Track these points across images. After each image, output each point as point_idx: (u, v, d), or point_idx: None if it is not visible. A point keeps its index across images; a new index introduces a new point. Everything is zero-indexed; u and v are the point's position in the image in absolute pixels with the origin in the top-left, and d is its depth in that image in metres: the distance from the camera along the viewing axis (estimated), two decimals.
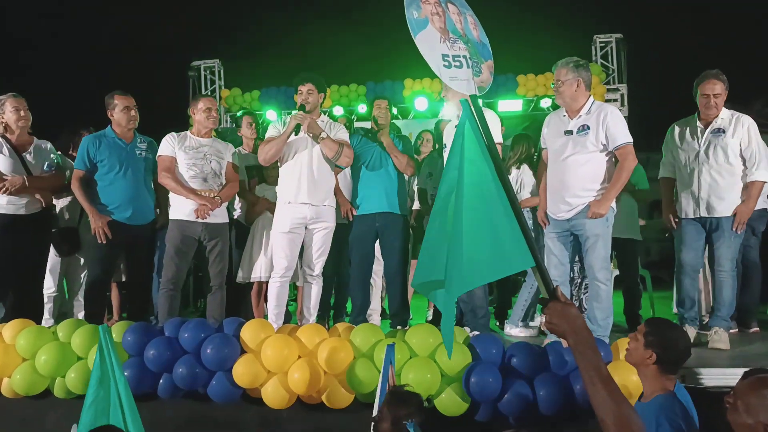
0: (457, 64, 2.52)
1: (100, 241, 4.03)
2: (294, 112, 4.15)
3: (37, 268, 4.16)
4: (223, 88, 11.42)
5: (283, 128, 4.05)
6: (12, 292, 4.01)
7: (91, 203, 4.10)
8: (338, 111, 10.83)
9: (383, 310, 5.29)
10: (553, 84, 3.89)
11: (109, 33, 13.45)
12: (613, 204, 3.74)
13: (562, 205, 3.74)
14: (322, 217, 4.06)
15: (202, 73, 11.47)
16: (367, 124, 5.85)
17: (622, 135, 3.61)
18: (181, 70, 11.56)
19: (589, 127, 3.65)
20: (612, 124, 3.62)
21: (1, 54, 12.49)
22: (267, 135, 4.12)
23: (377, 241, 4.42)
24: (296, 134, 3.98)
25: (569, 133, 3.74)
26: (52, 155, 4.21)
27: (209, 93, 11.40)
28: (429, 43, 2.43)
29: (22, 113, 4.05)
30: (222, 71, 11.56)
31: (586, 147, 3.67)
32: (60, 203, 4.51)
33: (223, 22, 12.99)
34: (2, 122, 4.06)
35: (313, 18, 12.50)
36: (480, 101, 2.22)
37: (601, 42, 10.70)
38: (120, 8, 13.37)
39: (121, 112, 4.22)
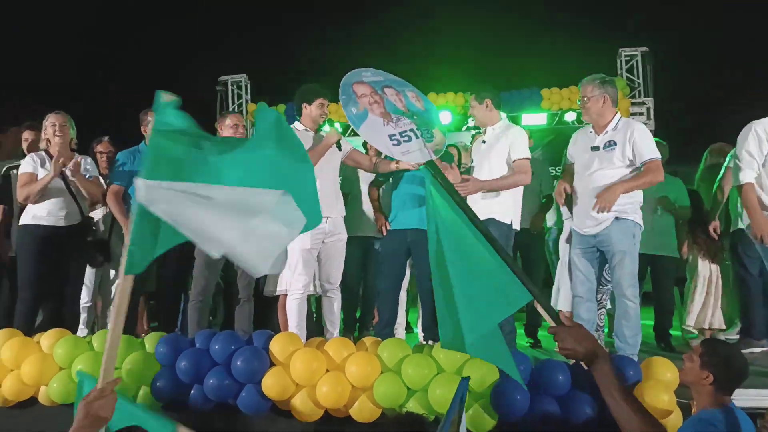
0: (406, 138, 2.73)
1: None
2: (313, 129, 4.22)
3: (76, 279, 4.27)
4: (250, 102, 11.63)
5: (304, 139, 4.12)
6: (50, 301, 4.14)
7: (125, 216, 4.22)
8: None
9: (407, 323, 5.30)
10: (579, 100, 3.91)
11: (137, 48, 13.78)
12: (641, 220, 3.72)
13: (587, 220, 3.74)
14: (338, 229, 4.14)
15: (230, 87, 11.72)
16: None
17: (649, 150, 3.61)
18: (209, 85, 11.83)
19: (615, 143, 3.67)
20: (639, 140, 3.62)
21: (36, 72, 12.90)
22: None
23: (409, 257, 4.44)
24: (339, 149, 4.09)
25: (596, 148, 3.76)
26: (89, 167, 4.34)
27: (236, 107, 11.62)
28: (373, 131, 2.72)
29: (59, 128, 4.19)
30: (249, 85, 11.79)
31: (612, 162, 3.69)
32: (96, 215, 4.65)
33: (250, 37, 13.22)
34: (45, 138, 4.22)
35: (337, 33, 12.64)
36: (431, 169, 2.42)
37: (626, 55, 10.65)
38: (149, 24, 13.72)
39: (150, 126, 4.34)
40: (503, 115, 4.21)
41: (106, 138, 5.06)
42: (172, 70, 13.22)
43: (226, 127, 4.31)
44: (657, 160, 3.61)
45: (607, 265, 3.93)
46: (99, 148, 4.99)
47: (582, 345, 1.73)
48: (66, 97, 10.82)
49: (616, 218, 3.65)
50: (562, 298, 4.78)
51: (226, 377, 3.03)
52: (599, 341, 3.56)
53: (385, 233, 4.43)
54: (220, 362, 3.08)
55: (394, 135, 2.67)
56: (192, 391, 3.09)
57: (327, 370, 3.04)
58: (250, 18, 13.41)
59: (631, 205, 3.68)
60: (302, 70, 11.91)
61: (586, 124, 4.06)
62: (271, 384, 2.99)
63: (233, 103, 11.70)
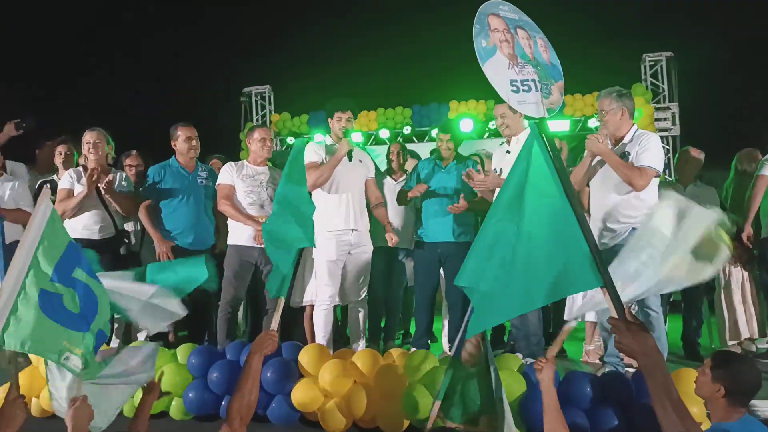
0: (526, 88, 2.58)
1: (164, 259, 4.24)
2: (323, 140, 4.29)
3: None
4: (273, 112, 11.79)
5: (325, 153, 4.17)
6: None
7: (156, 229, 4.33)
8: (384, 134, 11.01)
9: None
10: (595, 114, 3.91)
11: (162, 60, 14.05)
12: None
13: (605, 232, 3.73)
14: (363, 242, 4.18)
15: (253, 98, 11.89)
16: (411, 146, 6.00)
17: (647, 158, 3.58)
18: (233, 96, 12.02)
19: (630, 154, 3.67)
20: (643, 148, 3.62)
21: (57, 85, 13.25)
22: (308, 160, 4.13)
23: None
24: (350, 160, 4.10)
25: None
26: (124, 182, 4.47)
27: (260, 118, 11.78)
28: (497, 70, 2.55)
29: (94, 144, 4.33)
30: (272, 96, 11.95)
31: None
32: (128, 228, 4.77)
33: (273, 48, 13.41)
34: (84, 154, 4.38)
35: (359, 42, 12.75)
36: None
37: (650, 60, 10.56)
38: (174, 36, 13.99)
39: (183, 142, 4.47)
40: (526, 123, 4.22)
41: (135, 152, 5.20)
42: (197, 82, 13.47)
43: (255, 141, 4.40)
44: (649, 169, 3.57)
45: None
46: (128, 161, 5.12)
47: (639, 344, 1.73)
48: (94, 110, 11.11)
49: (633, 228, 3.65)
50: (576, 308, 4.76)
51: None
52: None
53: (391, 244, 4.39)
54: None
55: (516, 81, 2.53)
56: (223, 402, 3.16)
57: (355, 382, 3.08)
58: (274, 29, 13.60)
59: (646, 215, 3.66)
60: (325, 80, 12.02)
61: None
62: (300, 395, 3.05)
63: (257, 114, 11.87)
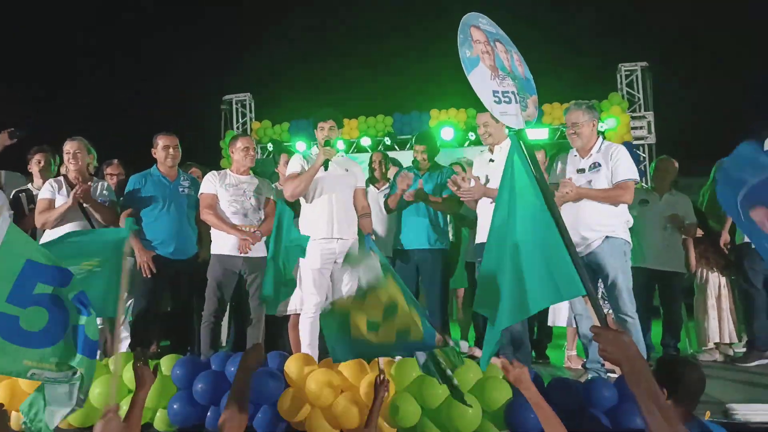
0: (507, 99, 2.59)
1: (144, 275, 4.19)
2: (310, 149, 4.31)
3: None
4: (254, 120, 11.76)
5: (307, 164, 4.18)
6: None
7: (136, 238, 4.28)
8: (365, 142, 11.05)
9: None
10: (565, 126, 4.02)
11: (142, 68, 13.94)
12: (630, 238, 3.80)
13: (578, 240, 3.79)
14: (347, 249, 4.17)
15: (234, 106, 11.86)
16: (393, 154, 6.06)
17: (624, 171, 3.75)
18: (213, 104, 11.97)
19: (600, 164, 3.81)
20: (617, 160, 3.77)
21: (34, 90, 13.04)
22: (290, 170, 4.21)
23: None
24: (326, 169, 4.11)
25: (582, 171, 3.89)
26: (105, 192, 4.42)
27: (240, 126, 11.74)
28: (481, 80, 2.57)
29: (75, 154, 4.28)
30: (253, 104, 11.93)
31: (598, 183, 3.81)
32: None
33: (253, 57, 13.39)
34: (65, 164, 4.32)
35: (340, 51, 12.81)
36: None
37: (626, 70, 10.78)
38: (153, 44, 13.89)
39: (161, 150, 4.44)
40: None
41: (116, 161, 5.14)
42: (176, 89, 13.37)
43: (238, 150, 4.38)
44: (630, 182, 3.75)
45: (601, 284, 4.00)
46: (108, 170, 5.07)
47: (622, 351, 1.75)
48: (73, 118, 10.96)
49: (606, 237, 3.75)
50: (560, 314, 4.83)
51: None
52: None
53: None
54: None
55: (498, 92, 2.57)
56: (209, 413, 3.13)
57: (342, 391, 3.08)
58: (254, 37, 13.59)
59: (619, 224, 3.78)
60: (306, 89, 12.05)
61: None
62: (286, 405, 3.03)
63: (237, 122, 11.83)
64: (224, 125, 11.81)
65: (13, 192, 4.62)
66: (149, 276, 4.20)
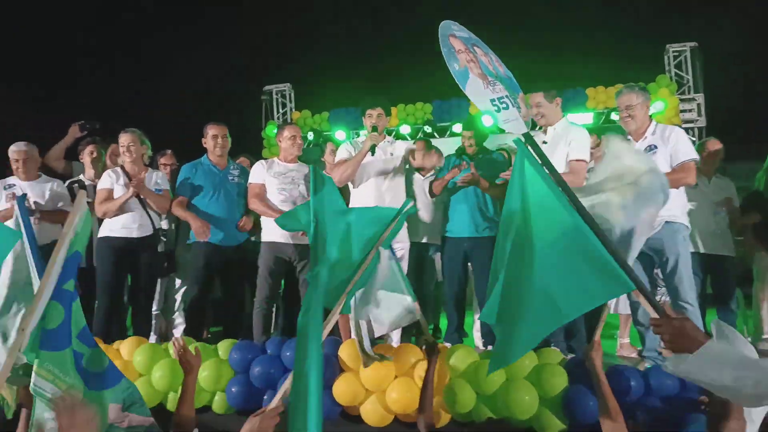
0: (504, 105, 2.47)
1: (206, 238, 4.29)
2: (361, 134, 4.32)
3: (149, 288, 4.48)
4: (293, 110, 11.84)
5: (355, 150, 4.19)
6: (124, 311, 4.35)
7: (189, 213, 4.38)
8: (405, 129, 11.00)
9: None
10: (609, 110, 3.94)
11: (184, 60, 14.15)
12: (687, 221, 3.69)
13: None
14: (400, 238, 4.15)
15: (274, 96, 11.96)
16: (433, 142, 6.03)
17: (684, 152, 3.64)
18: (254, 95, 12.10)
19: (656, 146, 3.69)
20: (676, 142, 3.66)
21: (82, 88, 13.39)
22: (338, 157, 4.27)
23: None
24: (372, 154, 4.12)
25: None
26: (159, 181, 4.53)
27: (281, 116, 11.85)
28: (477, 92, 2.47)
29: (126, 150, 4.41)
30: (293, 94, 12.01)
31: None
32: (164, 227, 4.84)
33: (293, 47, 13.46)
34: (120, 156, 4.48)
35: (379, 39, 12.75)
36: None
37: (674, 51, 10.40)
38: (194, 34, 14.08)
39: (211, 140, 4.52)
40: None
41: (169, 151, 5.26)
42: (217, 80, 13.55)
43: (285, 138, 4.44)
44: (691, 162, 3.65)
45: (657, 269, 3.90)
46: (162, 160, 5.19)
47: (684, 338, 1.69)
48: (118, 109, 11.24)
49: (666, 222, 3.63)
50: (621, 301, 4.73)
51: None
52: None
53: None
54: (291, 368, 3.17)
55: (494, 100, 2.44)
56: (265, 397, 3.18)
57: (396, 376, 3.09)
58: (294, 27, 13.65)
59: (678, 208, 3.66)
60: (346, 78, 12.04)
61: None
62: (341, 390, 3.06)
63: (278, 112, 11.94)
64: (265, 116, 11.94)
65: (67, 182, 4.78)
66: (207, 239, 4.29)
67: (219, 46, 13.80)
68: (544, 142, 4.08)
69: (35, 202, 4.40)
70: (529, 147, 2.27)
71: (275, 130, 6.78)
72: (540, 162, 2.23)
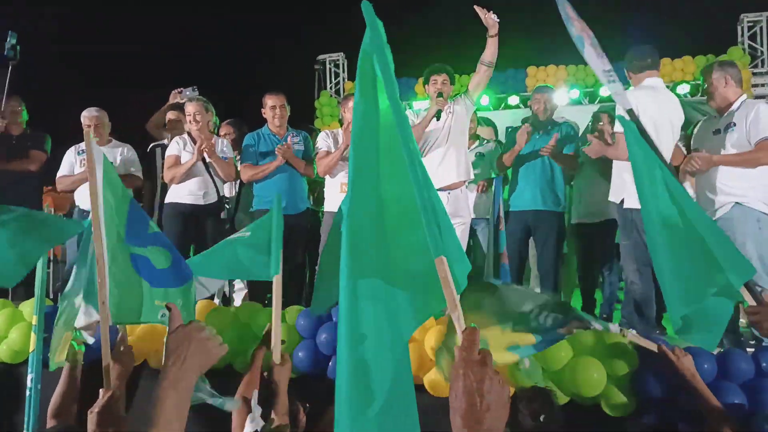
0: (612, 79, 2.55)
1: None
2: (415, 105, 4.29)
3: None
4: (347, 80, 11.80)
5: (417, 120, 4.15)
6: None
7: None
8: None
9: None
10: (684, 81, 3.87)
11: (236, 28, 14.22)
12: (766, 205, 3.52)
13: (707, 206, 3.57)
14: (460, 211, 4.11)
15: (327, 66, 11.93)
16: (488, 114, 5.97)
17: (762, 129, 3.42)
18: (307, 64, 12.09)
19: (735, 124, 3.53)
20: (756, 118, 3.45)
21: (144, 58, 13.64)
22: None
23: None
24: (437, 119, 4.09)
25: (717, 132, 3.64)
26: (225, 148, 4.63)
27: (333, 86, 11.84)
28: (592, 60, 2.53)
29: (193, 118, 4.50)
30: (346, 64, 11.95)
31: (733, 144, 3.54)
32: (227, 194, 4.95)
33: (346, 15, 13.34)
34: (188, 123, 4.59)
35: (431, 9, 12.49)
36: None
37: (749, 21, 9.84)
38: (248, 3, 14.11)
39: (270, 110, 4.58)
40: None
41: (231, 120, 5.37)
42: (270, 49, 13.60)
43: (349, 109, 4.44)
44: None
45: None
46: (223, 130, 5.29)
47: None
48: (173, 78, 11.44)
49: (737, 203, 3.48)
50: None
51: None
52: None
53: None
54: None
55: (607, 72, 2.51)
56: (330, 363, 3.26)
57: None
58: None
59: (753, 189, 3.48)
60: (400, 46, 11.85)
61: (701, 97, 3.97)
62: None
63: (330, 82, 11.92)
64: (318, 86, 11.95)
65: (150, 146, 4.95)
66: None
67: (273, 12, 13.78)
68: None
69: None
70: (635, 124, 2.31)
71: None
72: (647, 141, 2.25)
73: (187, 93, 5.07)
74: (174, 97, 5.16)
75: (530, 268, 5.01)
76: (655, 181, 2.14)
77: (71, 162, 4.64)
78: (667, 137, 3.59)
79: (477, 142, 5.36)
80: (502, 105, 10.68)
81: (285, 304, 4.03)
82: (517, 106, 10.47)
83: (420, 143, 4.13)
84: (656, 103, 3.56)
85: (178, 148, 4.49)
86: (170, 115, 5.05)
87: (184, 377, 1.16)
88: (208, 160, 4.43)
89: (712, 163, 3.55)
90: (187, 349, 1.18)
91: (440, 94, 4.08)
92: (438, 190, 4.04)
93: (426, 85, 4.26)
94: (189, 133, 4.57)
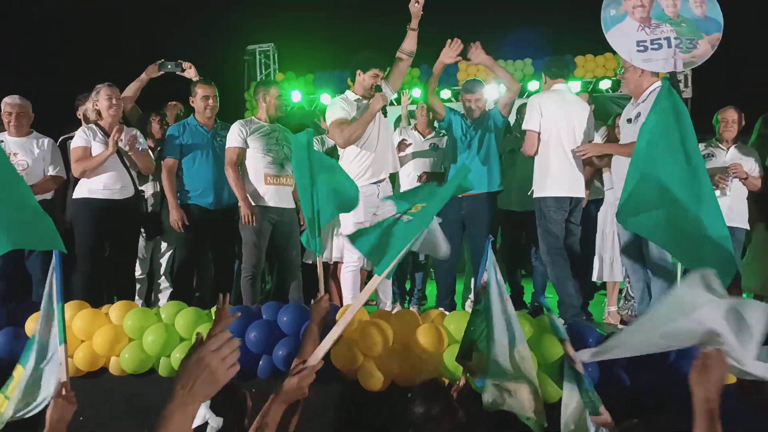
0: (655, 47, 2.94)
1: (178, 230, 4.24)
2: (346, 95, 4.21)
3: (131, 251, 4.34)
4: (278, 72, 11.54)
5: (354, 111, 4.06)
6: (107, 274, 4.22)
7: (174, 195, 4.25)
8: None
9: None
10: (607, 76, 4.09)
11: (165, 18, 13.62)
12: None
13: (619, 192, 3.70)
14: (388, 203, 4.07)
15: (257, 57, 11.62)
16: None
17: None
18: (237, 55, 11.74)
19: (641, 114, 3.50)
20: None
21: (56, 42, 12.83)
22: (337, 117, 4.06)
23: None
24: (385, 116, 4.07)
25: (629, 121, 3.67)
26: (141, 140, 4.36)
27: (264, 77, 11.54)
28: (622, 35, 2.96)
29: (114, 101, 4.20)
30: (276, 55, 11.68)
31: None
32: (147, 189, 4.68)
33: (277, 6, 13.01)
34: (96, 109, 4.23)
35: (367, 1, 12.39)
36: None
37: None
38: None
39: (200, 100, 4.37)
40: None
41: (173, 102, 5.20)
42: (198, 38, 13.08)
43: (271, 97, 4.30)
44: None
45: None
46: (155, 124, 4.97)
47: None
48: (88, 65, 10.80)
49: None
50: (606, 269, 4.75)
51: (294, 348, 3.07)
52: None
53: None
54: (288, 333, 3.13)
55: (644, 41, 2.90)
56: (261, 362, 3.15)
57: (394, 342, 3.06)
58: None
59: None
60: (331, 39, 11.70)
61: (621, 92, 4.16)
62: (339, 355, 3.03)
63: (261, 73, 11.63)
64: (247, 76, 11.63)
65: (60, 139, 4.61)
66: (182, 230, 4.25)
67: (201, 3, 13.27)
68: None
69: (22, 161, 4.26)
70: (672, 87, 2.50)
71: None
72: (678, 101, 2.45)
73: (168, 67, 4.71)
74: (152, 70, 4.78)
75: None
76: (675, 147, 2.39)
77: None
78: (568, 133, 3.92)
79: (434, 133, 5.37)
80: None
81: (211, 303, 3.89)
82: (449, 100, 10.59)
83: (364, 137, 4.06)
84: (560, 104, 3.94)
85: (86, 139, 4.11)
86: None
87: (192, 401, 1.23)
88: (127, 151, 4.16)
89: (598, 151, 3.88)
90: (197, 377, 1.24)
91: (379, 88, 4.05)
92: (378, 181, 4.06)
93: (362, 73, 4.13)
94: (96, 123, 4.23)
